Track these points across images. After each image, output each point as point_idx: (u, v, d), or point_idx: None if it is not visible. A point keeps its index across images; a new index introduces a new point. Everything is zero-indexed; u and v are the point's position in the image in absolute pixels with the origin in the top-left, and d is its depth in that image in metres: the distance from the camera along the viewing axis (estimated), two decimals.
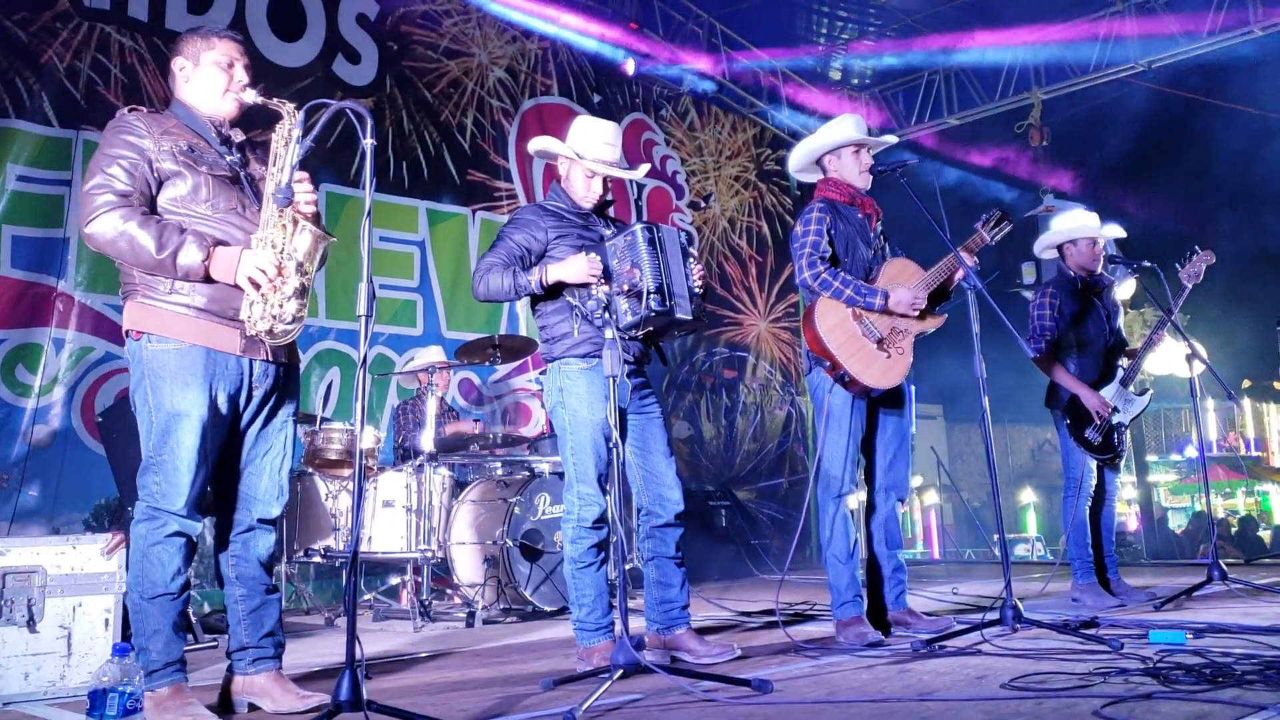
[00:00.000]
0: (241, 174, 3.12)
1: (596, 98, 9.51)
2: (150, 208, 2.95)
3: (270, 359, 3.07)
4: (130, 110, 3.03)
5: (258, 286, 2.90)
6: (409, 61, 8.25)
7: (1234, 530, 13.44)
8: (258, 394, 3.07)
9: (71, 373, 6.22)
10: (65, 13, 6.51)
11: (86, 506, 6.05)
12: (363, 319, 2.71)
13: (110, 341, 6.37)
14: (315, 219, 3.03)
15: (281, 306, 2.93)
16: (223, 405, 2.98)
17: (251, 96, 3.07)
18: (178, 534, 2.92)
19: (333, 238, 3.06)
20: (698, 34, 10.21)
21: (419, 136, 8.19)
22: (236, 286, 2.93)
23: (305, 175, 2.99)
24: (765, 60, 10.77)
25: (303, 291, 2.98)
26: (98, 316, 6.35)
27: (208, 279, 2.92)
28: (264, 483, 3.12)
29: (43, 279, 6.18)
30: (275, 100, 3.02)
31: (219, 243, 2.94)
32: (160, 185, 2.97)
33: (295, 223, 2.96)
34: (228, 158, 3.11)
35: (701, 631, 3.97)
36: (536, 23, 9.16)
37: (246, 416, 3.08)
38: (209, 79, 3.11)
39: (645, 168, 4.30)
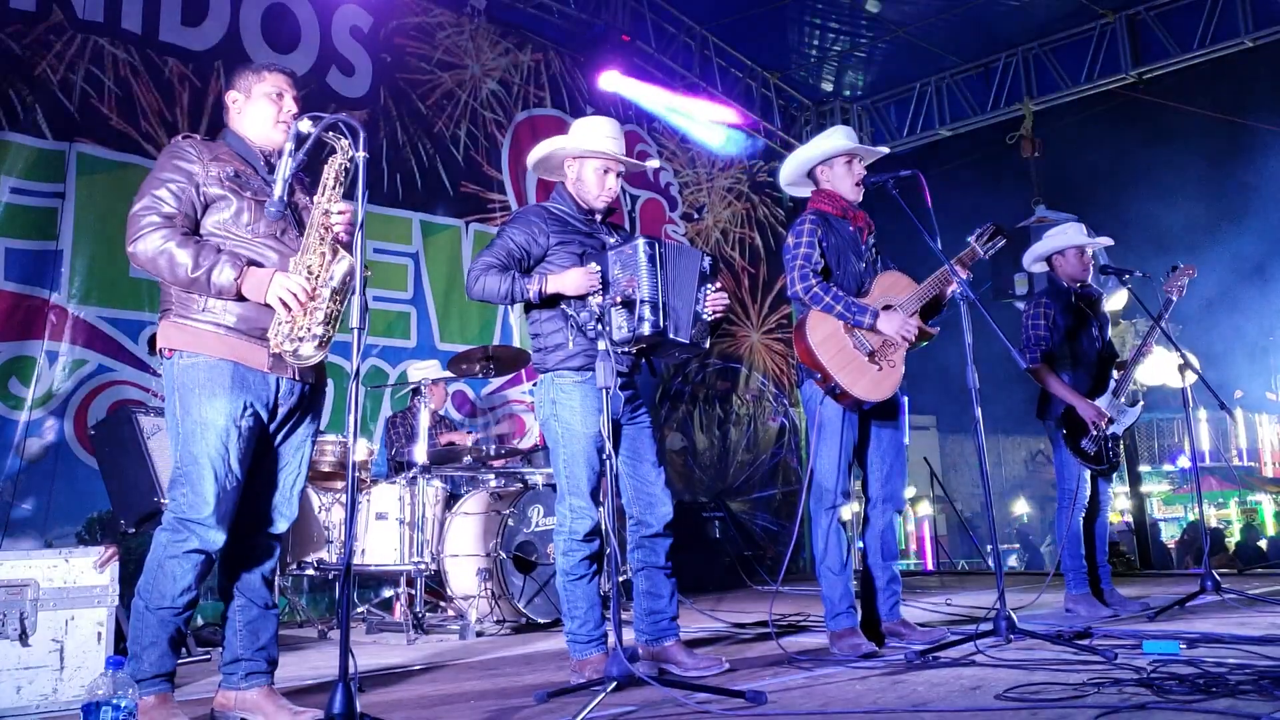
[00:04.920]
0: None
1: (589, 109, 9.53)
2: (194, 230, 3.03)
3: (296, 378, 3.13)
4: (185, 137, 3.13)
5: (288, 308, 2.95)
6: (402, 74, 8.26)
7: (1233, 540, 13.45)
8: (282, 411, 3.13)
9: (65, 386, 6.20)
10: (59, 25, 6.49)
11: (79, 519, 6.03)
12: (356, 331, 2.74)
13: (104, 355, 6.35)
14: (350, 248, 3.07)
15: (309, 330, 2.98)
16: (250, 418, 3.03)
17: (306, 126, 3.04)
18: (197, 550, 2.95)
19: (369, 271, 3.09)
20: (690, 46, 10.24)
21: (413, 148, 8.19)
22: (267, 306, 2.98)
23: (348, 206, 3.04)
24: (757, 72, 10.81)
25: (332, 318, 3.02)
26: (91, 329, 6.32)
27: (239, 298, 2.98)
28: (278, 499, 3.17)
29: (36, 292, 6.16)
30: (331, 134, 3.03)
31: (253, 263, 3.01)
32: (206, 209, 3.05)
33: (335, 251, 3.03)
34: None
35: (696, 643, 3.97)
36: None
37: (272, 433, 3.13)
38: (259, 110, 3.20)
39: (655, 161, 4.20)
